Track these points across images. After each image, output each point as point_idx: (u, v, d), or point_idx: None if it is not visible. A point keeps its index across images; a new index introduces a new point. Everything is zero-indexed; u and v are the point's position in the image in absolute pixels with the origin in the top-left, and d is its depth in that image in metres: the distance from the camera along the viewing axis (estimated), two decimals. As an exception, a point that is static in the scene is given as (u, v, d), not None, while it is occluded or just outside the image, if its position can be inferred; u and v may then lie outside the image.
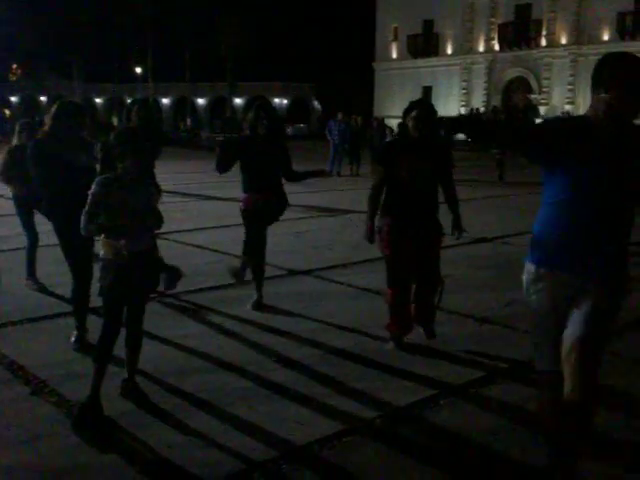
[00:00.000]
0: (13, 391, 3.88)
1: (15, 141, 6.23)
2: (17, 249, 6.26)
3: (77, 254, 4.47)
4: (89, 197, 3.49)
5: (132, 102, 6.26)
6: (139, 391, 3.77)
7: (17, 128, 6.31)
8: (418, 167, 4.46)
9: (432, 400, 3.83)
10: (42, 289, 6.03)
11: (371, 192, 4.66)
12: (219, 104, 58.98)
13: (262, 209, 5.46)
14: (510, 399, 3.81)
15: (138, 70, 59.18)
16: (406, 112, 4.48)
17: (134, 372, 3.80)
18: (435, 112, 4.52)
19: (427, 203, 4.59)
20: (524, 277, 2.86)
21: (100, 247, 3.59)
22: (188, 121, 50.87)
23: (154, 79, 55.53)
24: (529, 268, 2.83)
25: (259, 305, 5.57)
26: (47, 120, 4.51)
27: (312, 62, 55.82)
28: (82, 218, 3.49)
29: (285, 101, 56.17)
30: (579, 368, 2.64)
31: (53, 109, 4.51)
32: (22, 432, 3.37)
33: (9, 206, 6.53)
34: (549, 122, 3.07)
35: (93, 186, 3.50)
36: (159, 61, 54.59)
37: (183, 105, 58.83)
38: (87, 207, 3.49)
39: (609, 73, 2.63)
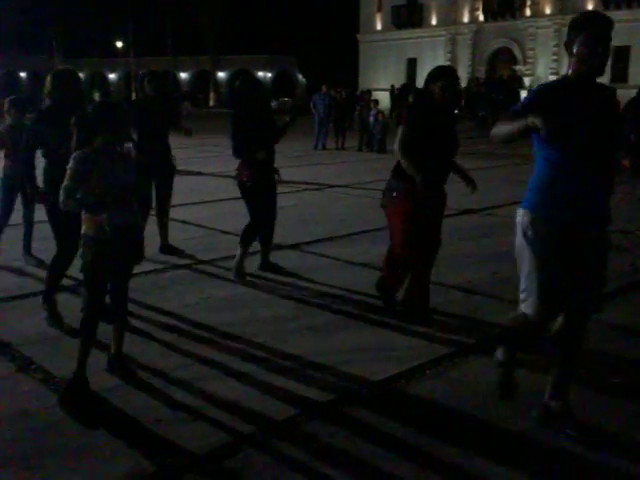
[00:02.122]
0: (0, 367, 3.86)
1: (9, 120, 6.07)
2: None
3: (67, 231, 4.42)
4: (67, 172, 3.44)
5: (144, 74, 6.29)
6: (126, 366, 3.77)
7: (5, 106, 6.13)
8: (446, 131, 4.47)
9: (418, 370, 3.85)
10: (25, 266, 5.97)
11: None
12: (202, 78, 58.29)
13: (264, 176, 5.53)
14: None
15: (119, 45, 58.28)
16: (433, 78, 4.43)
17: (121, 347, 3.79)
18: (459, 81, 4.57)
19: (446, 168, 4.58)
20: (518, 221, 3.02)
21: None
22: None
23: (136, 54, 54.66)
24: (525, 214, 2.98)
25: (268, 266, 5.86)
26: (46, 94, 4.41)
27: (296, 34, 55.18)
28: (60, 193, 3.44)
29: (269, 74, 55.60)
30: (584, 307, 2.98)
31: (50, 81, 4.41)
32: (8, 408, 3.36)
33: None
34: (528, 100, 3.10)
35: (70, 161, 3.45)
36: (141, 36, 53.66)
37: (165, 79, 58.03)
38: (65, 182, 3.44)
39: (573, 34, 2.88)
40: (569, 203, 2.91)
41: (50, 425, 3.21)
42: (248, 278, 5.64)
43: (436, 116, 4.45)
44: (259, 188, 5.53)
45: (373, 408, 3.42)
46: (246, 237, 5.67)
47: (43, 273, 5.62)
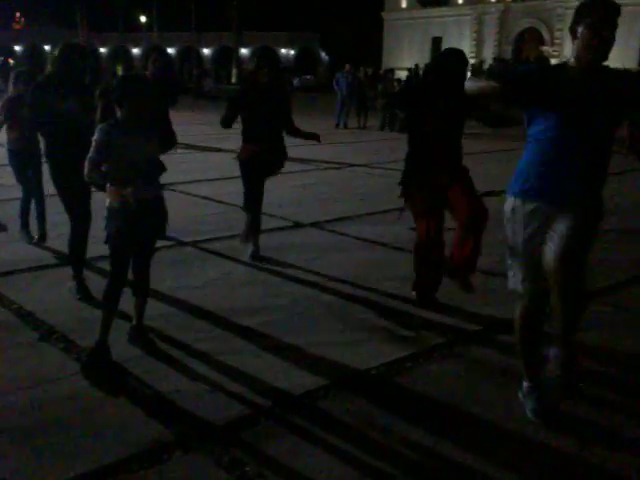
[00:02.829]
0: (22, 336, 3.93)
1: (11, 91, 6.01)
2: (19, 199, 6.25)
3: (75, 201, 4.47)
4: (92, 143, 3.47)
5: (150, 49, 6.19)
6: (147, 337, 3.82)
7: (12, 77, 6.13)
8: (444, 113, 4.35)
9: (427, 353, 3.85)
10: (43, 240, 6.02)
11: None
12: (224, 54, 58.10)
13: (258, 160, 5.35)
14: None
15: (143, 19, 58.20)
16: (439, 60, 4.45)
17: (142, 319, 3.84)
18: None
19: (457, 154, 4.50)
20: (505, 209, 3.09)
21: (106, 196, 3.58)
22: (194, 71, 50.20)
23: (159, 29, 54.57)
24: (510, 200, 3.07)
25: (256, 256, 5.58)
26: (49, 64, 4.45)
27: (319, 12, 54.65)
28: (85, 164, 3.47)
29: (292, 52, 55.27)
30: (563, 280, 2.88)
31: (56, 51, 4.43)
32: (31, 376, 3.42)
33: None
34: (527, 68, 3.17)
35: (96, 132, 3.48)
36: (164, 10, 53.54)
37: (188, 55, 57.99)
38: (90, 153, 3.47)
39: (576, 20, 2.84)
40: (553, 185, 2.91)
41: (71, 394, 3.26)
42: (268, 255, 5.65)
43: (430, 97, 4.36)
44: (245, 165, 5.44)
45: (385, 388, 3.44)
46: (245, 204, 5.66)
47: (62, 245, 5.71)
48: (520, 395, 3.22)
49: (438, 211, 4.44)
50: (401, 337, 4.05)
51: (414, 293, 4.64)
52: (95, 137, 3.47)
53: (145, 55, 6.06)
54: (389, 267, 5.11)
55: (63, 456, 2.76)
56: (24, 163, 5.99)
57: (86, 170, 3.48)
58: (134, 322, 3.83)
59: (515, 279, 3.10)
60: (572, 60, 2.87)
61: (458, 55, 4.35)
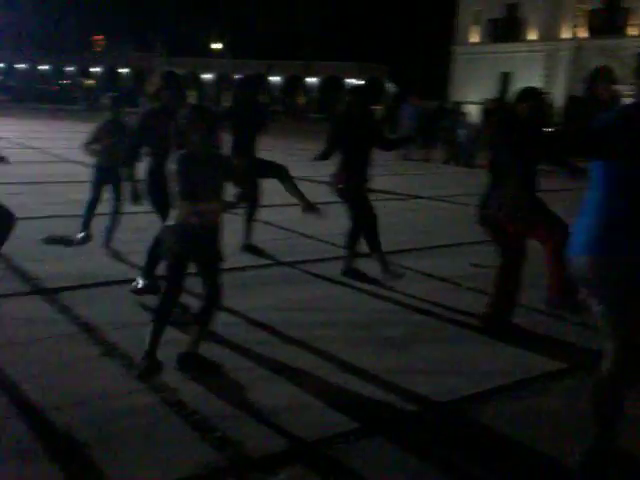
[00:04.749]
0: (86, 350, 4.03)
1: (108, 116, 6.42)
2: (96, 215, 6.49)
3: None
4: (173, 175, 3.57)
5: (242, 79, 6.55)
6: (200, 363, 3.79)
7: (107, 102, 6.51)
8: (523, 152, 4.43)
9: (490, 393, 3.75)
10: (115, 254, 6.23)
11: None
12: (293, 83, 59.15)
13: (355, 188, 5.63)
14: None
15: (216, 46, 59.94)
16: (521, 99, 4.50)
17: (196, 345, 3.78)
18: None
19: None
20: (579, 271, 2.78)
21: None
22: (260, 98, 51.33)
23: (232, 56, 56.07)
24: (589, 260, 2.72)
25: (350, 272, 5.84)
26: (152, 94, 4.68)
27: (388, 43, 55.13)
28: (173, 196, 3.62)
29: (359, 82, 55.79)
30: None
31: (162, 80, 4.67)
32: (91, 390, 3.50)
33: (88, 173, 6.76)
34: (598, 123, 2.86)
35: (173, 163, 3.59)
36: (237, 38, 55.08)
37: (258, 82, 59.25)
38: (173, 185, 3.58)
39: None
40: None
41: (130, 410, 3.31)
42: (327, 283, 5.66)
43: (519, 134, 4.41)
44: (352, 192, 5.66)
45: (440, 426, 3.36)
46: (348, 241, 5.87)
47: (132, 263, 5.87)
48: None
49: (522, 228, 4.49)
50: (460, 375, 3.96)
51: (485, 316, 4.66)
52: (173, 167, 3.56)
53: (234, 85, 6.48)
54: (449, 302, 5.04)
55: (117, 474, 2.79)
56: (105, 178, 6.33)
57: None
58: (187, 348, 3.78)
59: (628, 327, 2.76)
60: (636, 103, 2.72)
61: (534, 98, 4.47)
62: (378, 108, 45.44)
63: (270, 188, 5.71)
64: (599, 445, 2.86)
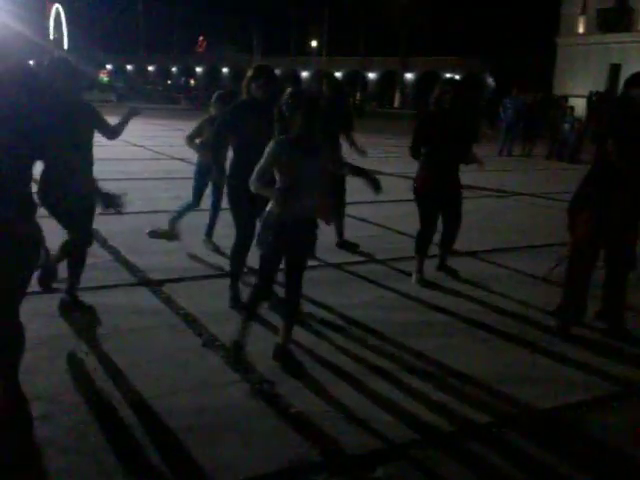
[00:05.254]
0: (187, 341, 4.17)
1: (212, 112, 6.49)
2: (197, 210, 6.69)
3: (247, 217, 4.64)
4: (265, 154, 3.59)
5: (320, 73, 6.45)
6: (289, 359, 3.83)
7: (213, 98, 6.63)
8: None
9: (601, 401, 3.57)
10: (215, 249, 6.40)
11: None
12: (389, 78, 58.83)
13: (435, 191, 5.43)
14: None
15: (314, 44, 60.56)
16: (632, 84, 4.22)
17: (288, 338, 3.86)
18: None
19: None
20: None
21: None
22: (357, 95, 51.33)
23: (328, 53, 56.47)
24: None
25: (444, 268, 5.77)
26: (244, 87, 4.67)
27: (487, 36, 53.66)
28: (254, 172, 3.61)
29: (457, 76, 54.66)
30: None
31: (248, 74, 4.66)
32: (194, 380, 3.62)
33: (190, 170, 6.97)
34: None
35: (270, 144, 3.60)
36: (334, 36, 55.37)
37: (354, 79, 59.42)
38: (261, 163, 3.59)
39: None
40: None
41: (229, 401, 3.40)
42: (422, 279, 5.58)
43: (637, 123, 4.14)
44: (422, 197, 5.49)
45: (534, 436, 3.23)
46: (416, 244, 5.67)
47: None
48: None
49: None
50: (558, 383, 3.80)
51: (557, 323, 4.48)
52: (268, 148, 3.59)
53: (315, 78, 6.31)
54: (547, 305, 4.84)
55: (212, 463, 2.87)
56: (205, 177, 6.44)
57: (253, 177, 3.61)
58: (280, 340, 3.87)
59: None
60: None
61: None
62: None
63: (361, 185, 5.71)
64: None
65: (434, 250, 5.84)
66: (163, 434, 3.07)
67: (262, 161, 3.60)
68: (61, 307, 4.56)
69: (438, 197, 5.48)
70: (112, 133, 4.66)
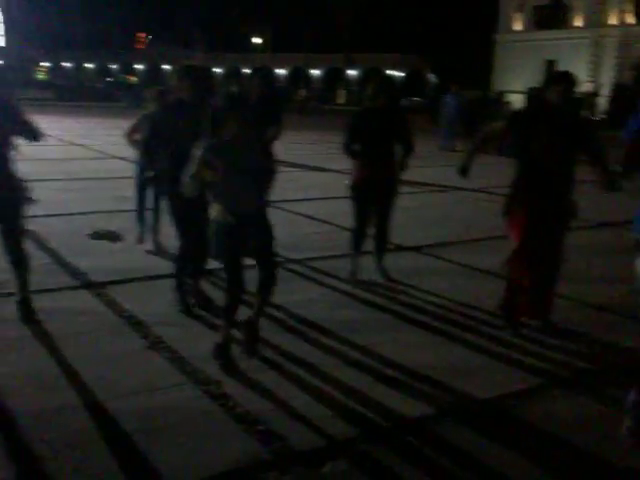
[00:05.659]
0: (131, 344, 4.10)
1: (151, 108, 6.40)
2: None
3: (188, 223, 4.58)
4: (197, 160, 3.61)
5: (253, 71, 6.40)
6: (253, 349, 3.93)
7: (153, 94, 6.48)
8: (553, 141, 4.23)
9: (543, 389, 3.68)
10: (160, 249, 6.31)
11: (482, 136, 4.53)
12: (333, 75, 59.09)
13: (370, 184, 5.40)
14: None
15: (256, 41, 60.29)
16: (550, 83, 4.29)
17: (257, 318, 3.99)
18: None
19: (561, 181, 4.35)
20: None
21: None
22: (303, 92, 51.41)
23: (272, 50, 56.33)
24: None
25: (354, 278, 5.58)
26: (174, 86, 4.62)
27: (428, 34, 54.52)
28: (190, 177, 3.64)
29: (400, 73, 55.33)
30: None
31: (177, 73, 4.59)
32: (138, 383, 3.56)
33: (131, 168, 6.85)
34: None
35: (201, 150, 3.62)
36: (278, 33, 55.27)
37: (298, 76, 59.46)
38: (194, 167, 3.62)
39: None
40: None
41: (175, 404, 3.36)
42: (367, 277, 5.63)
43: (543, 121, 4.25)
44: (357, 191, 5.47)
45: (495, 419, 3.32)
46: (351, 241, 5.66)
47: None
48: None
49: (535, 229, 4.30)
50: (509, 371, 3.90)
51: (506, 328, 4.50)
52: (200, 154, 3.62)
53: (248, 77, 6.28)
54: (489, 295, 4.96)
55: (161, 465, 2.84)
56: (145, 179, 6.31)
57: (186, 180, 3.66)
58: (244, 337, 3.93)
59: None
60: None
61: (567, 81, 4.23)
62: (417, 100, 45.04)
63: (312, 181, 5.68)
64: None
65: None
66: (110, 439, 3.01)
67: (195, 165, 3.62)
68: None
69: (371, 193, 5.49)
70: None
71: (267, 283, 3.92)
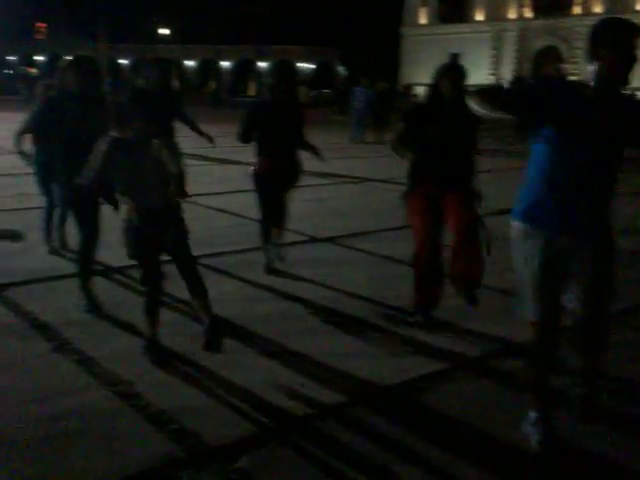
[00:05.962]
0: (36, 347, 3.94)
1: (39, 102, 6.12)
2: (42, 207, 6.31)
3: (85, 217, 4.47)
4: (98, 154, 3.53)
5: (148, 62, 6.27)
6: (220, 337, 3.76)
7: (40, 90, 6.21)
8: (450, 130, 4.35)
9: (449, 372, 3.82)
10: (65, 248, 6.08)
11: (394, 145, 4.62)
12: (243, 67, 58.60)
13: (273, 174, 5.41)
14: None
15: (163, 32, 58.87)
16: (440, 75, 4.41)
17: (211, 315, 3.78)
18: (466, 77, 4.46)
19: (458, 168, 4.48)
20: (513, 235, 3.00)
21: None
22: (212, 84, 50.66)
23: (181, 41, 55.18)
24: (518, 225, 2.96)
25: (269, 269, 5.60)
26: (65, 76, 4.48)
27: (338, 26, 54.99)
28: (92, 172, 3.56)
29: (310, 65, 55.55)
30: (590, 313, 2.96)
31: (68, 64, 4.46)
32: (44, 387, 3.43)
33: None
34: (541, 86, 3.01)
35: (102, 144, 3.55)
36: (185, 23, 54.17)
37: (207, 67, 58.58)
38: (95, 163, 3.54)
39: (599, 40, 2.71)
40: (562, 214, 2.85)
41: (82, 406, 3.26)
42: (282, 269, 5.64)
43: (439, 112, 4.39)
44: (260, 179, 5.47)
45: (403, 405, 3.41)
46: (260, 233, 5.68)
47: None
48: (526, 426, 3.07)
49: (432, 215, 4.44)
50: (418, 354, 4.02)
51: (416, 317, 4.58)
52: (101, 148, 3.55)
53: (134, 67, 6.17)
54: (403, 284, 5.08)
55: (73, 470, 2.75)
56: (48, 174, 6.02)
57: (84, 172, 3.58)
58: (207, 320, 3.78)
59: (528, 309, 2.99)
60: (590, 81, 2.77)
61: (455, 71, 4.40)
62: (327, 92, 45.36)
63: (224, 175, 5.59)
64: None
65: (289, 238, 5.89)
66: (20, 446, 2.89)
67: (96, 161, 3.55)
68: None
69: (274, 184, 5.50)
70: None
71: (194, 286, 3.83)
